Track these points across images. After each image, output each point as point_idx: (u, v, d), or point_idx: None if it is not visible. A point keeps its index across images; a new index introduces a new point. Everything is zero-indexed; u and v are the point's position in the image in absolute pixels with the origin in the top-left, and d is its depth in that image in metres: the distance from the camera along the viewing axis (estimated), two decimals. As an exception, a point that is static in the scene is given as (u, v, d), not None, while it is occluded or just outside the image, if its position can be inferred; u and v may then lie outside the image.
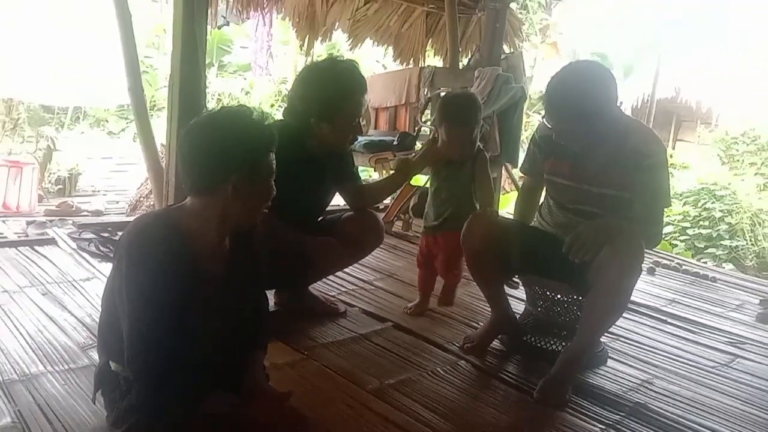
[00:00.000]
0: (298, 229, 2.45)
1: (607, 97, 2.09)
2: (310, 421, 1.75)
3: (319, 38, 5.57)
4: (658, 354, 2.62)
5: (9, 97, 7.24)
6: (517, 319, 2.52)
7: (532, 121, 9.69)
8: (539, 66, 10.68)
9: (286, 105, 2.58)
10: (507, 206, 5.31)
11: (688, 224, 7.32)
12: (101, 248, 3.32)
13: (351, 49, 5.83)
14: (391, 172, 3.39)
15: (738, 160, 8.59)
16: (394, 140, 4.40)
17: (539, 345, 2.45)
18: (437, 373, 2.24)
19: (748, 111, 8.77)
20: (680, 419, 2.07)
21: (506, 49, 5.02)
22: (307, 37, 5.45)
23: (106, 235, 3.52)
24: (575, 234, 2.04)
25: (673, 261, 4.32)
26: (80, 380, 1.97)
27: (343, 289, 3.02)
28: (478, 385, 2.21)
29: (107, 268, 2.73)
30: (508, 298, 2.50)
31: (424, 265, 2.80)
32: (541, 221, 2.42)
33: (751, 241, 7.04)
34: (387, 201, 4.30)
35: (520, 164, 2.94)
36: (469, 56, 5.12)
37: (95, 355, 1.93)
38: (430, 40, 5.66)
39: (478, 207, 2.64)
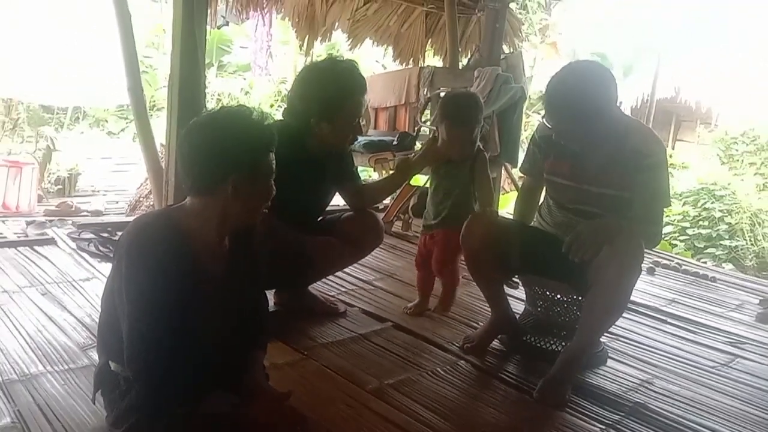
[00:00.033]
0: (298, 229, 2.45)
1: (607, 97, 2.09)
2: (310, 421, 1.75)
3: (319, 38, 5.56)
4: (658, 354, 2.62)
5: (9, 97, 7.24)
6: (516, 319, 2.52)
7: (531, 121, 9.69)
8: (539, 66, 10.67)
9: (285, 105, 2.58)
10: (507, 206, 5.30)
11: (687, 224, 7.32)
12: (101, 248, 3.32)
13: (351, 49, 5.83)
14: (391, 172, 3.39)
15: (737, 160, 8.58)
16: (393, 140, 4.40)
17: (539, 345, 2.45)
18: (437, 373, 2.24)
19: (748, 111, 8.77)
20: (680, 419, 2.07)
21: (506, 49, 5.02)
22: (307, 37, 5.45)
23: (105, 235, 3.52)
24: (575, 234, 2.04)
25: (672, 261, 4.32)
26: (80, 380, 1.97)
27: (343, 289, 3.01)
28: (478, 385, 2.21)
29: (107, 268, 2.72)
30: (508, 298, 2.50)
31: (423, 266, 2.79)
32: (541, 221, 2.42)
33: (750, 241, 7.04)
34: (387, 201, 4.29)
35: (519, 164, 2.94)
36: (469, 56, 5.12)
37: (95, 355, 1.93)
38: (429, 40, 5.66)
39: (476, 207, 2.64)
